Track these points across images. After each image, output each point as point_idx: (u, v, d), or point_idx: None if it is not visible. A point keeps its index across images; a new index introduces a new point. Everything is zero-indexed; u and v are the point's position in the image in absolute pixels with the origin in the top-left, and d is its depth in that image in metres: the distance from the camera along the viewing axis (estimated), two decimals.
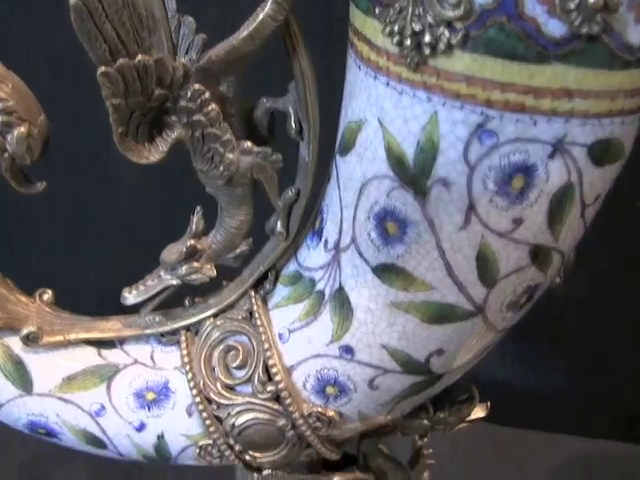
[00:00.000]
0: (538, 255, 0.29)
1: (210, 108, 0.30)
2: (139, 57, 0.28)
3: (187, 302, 0.36)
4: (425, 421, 0.38)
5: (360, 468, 0.39)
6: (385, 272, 0.30)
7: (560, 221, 0.28)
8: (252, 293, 0.35)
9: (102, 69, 0.27)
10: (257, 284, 0.35)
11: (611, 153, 0.27)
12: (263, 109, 0.32)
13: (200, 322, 0.35)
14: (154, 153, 0.30)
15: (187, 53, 0.30)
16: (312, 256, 0.33)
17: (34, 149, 0.31)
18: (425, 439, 0.42)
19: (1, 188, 0.32)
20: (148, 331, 0.35)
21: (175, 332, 0.35)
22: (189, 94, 0.29)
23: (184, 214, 0.34)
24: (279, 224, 0.33)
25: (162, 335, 0.36)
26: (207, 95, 0.30)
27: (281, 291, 0.34)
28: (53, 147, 0.31)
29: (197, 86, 0.29)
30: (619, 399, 0.66)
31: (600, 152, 0.27)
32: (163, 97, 0.29)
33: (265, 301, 0.34)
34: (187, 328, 0.35)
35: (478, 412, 0.38)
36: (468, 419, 0.38)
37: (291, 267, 0.34)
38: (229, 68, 0.30)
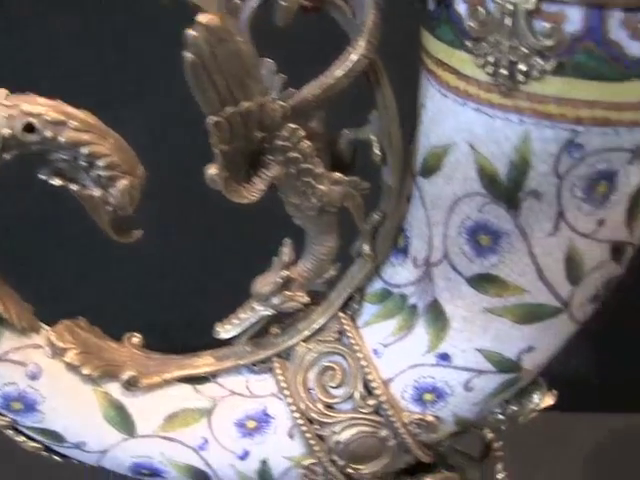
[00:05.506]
0: (617, 251, 0.32)
1: (304, 144, 0.32)
2: (246, 104, 0.29)
3: (275, 330, 0.37)
4: (500, 416, 0.40)
5: (445, 467, 0.41)
6: (480, 282, 0.32)
7: (637, 217, 0.31)
8: (341, 314, 0.36)
9: (214, 118, 0.29)
10: (343, 305, 0.37)
11: None
12: (346, 140, 0.34)
13: (290, 347, 0.36)
14: (253, 192, 0.32)
15: None
16: (400, 273, 0.35)
17: (135, 199, 0.32)
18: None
19: None
20: (242, 362, 0.37)
21: (266, 360, 0.37)
22: (285, 133, 0.31)
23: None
24: (366, 247, 0.35)
25: (254, 364, 0.37)
26: (302, 133, 0.31)
27: (369, 309, 0.36)
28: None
29: (293, 125, 0.31)
30: None
31: None
32: (262, 139, 0.31)
33: (354, 320, 0.36)
34: (278, 354, 0.37)
35: (547, 400, 0.41)
36: (539, 408, 0.40)
37: (376, 285, 0.36)
38: (320, 105, 0.31)
